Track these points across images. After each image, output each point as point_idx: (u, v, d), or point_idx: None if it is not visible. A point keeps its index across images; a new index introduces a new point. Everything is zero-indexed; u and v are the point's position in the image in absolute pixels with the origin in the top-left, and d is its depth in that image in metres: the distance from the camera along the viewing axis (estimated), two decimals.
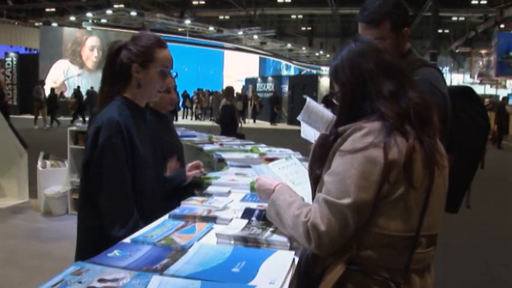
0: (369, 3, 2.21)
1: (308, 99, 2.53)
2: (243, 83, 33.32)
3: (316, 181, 1.54)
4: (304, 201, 1.56)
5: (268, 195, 1.65)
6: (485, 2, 28.71)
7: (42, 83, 20.89)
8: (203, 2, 32.99)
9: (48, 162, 6.60)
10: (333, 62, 1.62)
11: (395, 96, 1.47)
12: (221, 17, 38.11)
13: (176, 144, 3.04)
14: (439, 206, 1.51)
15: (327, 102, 3.39)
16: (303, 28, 43.06)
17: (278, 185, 1.67)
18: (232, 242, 1.53)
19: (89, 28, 29.16)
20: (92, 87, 25.04)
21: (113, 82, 2.08)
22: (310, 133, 2.34)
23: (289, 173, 2.02)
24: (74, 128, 6.44)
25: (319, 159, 1.54)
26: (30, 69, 26.81)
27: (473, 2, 29.20)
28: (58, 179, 6.49)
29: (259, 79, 31.95)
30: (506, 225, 6.80)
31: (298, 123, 2.43)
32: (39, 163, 6.57)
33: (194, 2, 32.99)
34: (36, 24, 31.12)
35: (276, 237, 1.54)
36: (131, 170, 1.96)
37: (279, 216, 1.55)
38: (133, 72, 2.03)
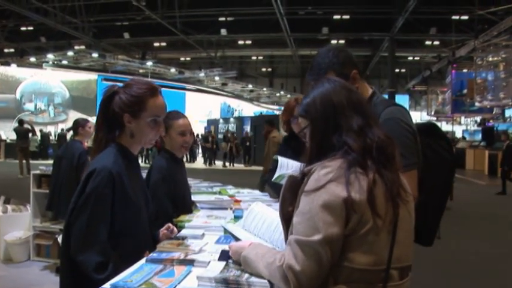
0: (313, 63, 2.30)
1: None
2: (205, 124, 33.28)
3: (287, 222, 1.57)
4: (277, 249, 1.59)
5: None
6: (438, 42, 29.80)
7: None
8: (164, 44, 33.20)
9: (9, 207, 6.42)
10: (304, 100, 1.67)
11: (363, 131, 1.54)
12: (182, 59, 38.42)
13: (186, 187, 3.18)
14: (407, 238, 1.55)
15: (286, 141, 3.47)
16: (264, 69, 43.77)
17: (250, 244, 1.71)
18: (214, 284, 1.54)
19: (49, 69, 28.86)
20: (62, 129, 24.51)
21: (107, 129, 2.07)
22: None
23: (257, 225, 2.00)
24: (37, 172, 6.29)
25: (289, 199, 1.58)
26: None
27: (427, 43, 30.25)
28: (20, 224, 6.30)
29: (221, 120, 31.94)
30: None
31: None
32: (0, 208, 6.39)
33: (155, 44, 33.16)
34: None
35: (255, 279, 1.56)
36: (122, 216, 1.94)
37: (253, 270, 1.59)
38: (125, 122, 2.03)
